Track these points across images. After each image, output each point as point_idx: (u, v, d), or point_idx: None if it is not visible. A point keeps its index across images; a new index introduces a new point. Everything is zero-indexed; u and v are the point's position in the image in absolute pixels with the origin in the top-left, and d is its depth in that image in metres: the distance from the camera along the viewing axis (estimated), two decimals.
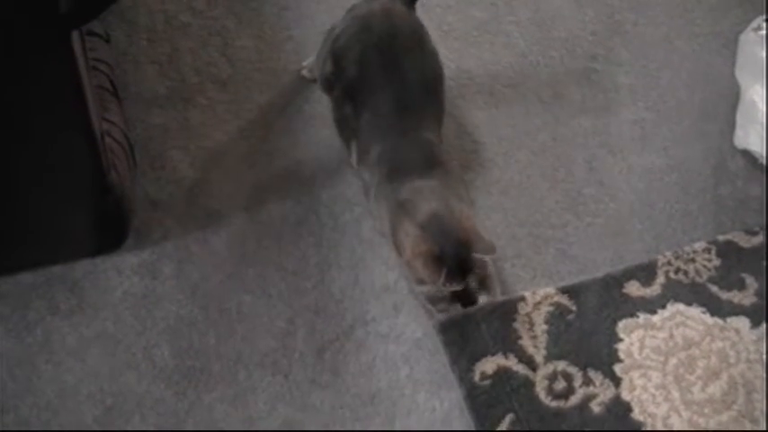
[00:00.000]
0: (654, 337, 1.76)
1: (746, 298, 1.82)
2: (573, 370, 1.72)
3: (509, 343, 1.73)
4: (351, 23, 1.87)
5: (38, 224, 1.68)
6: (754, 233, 1.90)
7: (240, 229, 1.86)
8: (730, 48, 2.14)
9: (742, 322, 1.78)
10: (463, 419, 1.67)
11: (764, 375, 1.72)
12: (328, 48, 1.88)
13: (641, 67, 2.16)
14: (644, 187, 1.98)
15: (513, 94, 2.09)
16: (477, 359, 1.71)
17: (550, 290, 1.80)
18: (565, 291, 1.80)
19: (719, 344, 1.76)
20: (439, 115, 1.85)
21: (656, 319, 1.78)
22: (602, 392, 1.70)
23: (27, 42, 1.40)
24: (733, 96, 2.07)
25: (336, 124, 1.87)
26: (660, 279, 1.83)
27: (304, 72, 2.04)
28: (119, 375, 1.68)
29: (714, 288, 1.83)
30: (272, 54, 2.09)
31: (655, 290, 1.82)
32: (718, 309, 1.80)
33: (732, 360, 1.74)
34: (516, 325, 1.75)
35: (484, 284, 1.75)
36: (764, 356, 1.74)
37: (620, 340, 1.75)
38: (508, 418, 1.66)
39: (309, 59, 2.01)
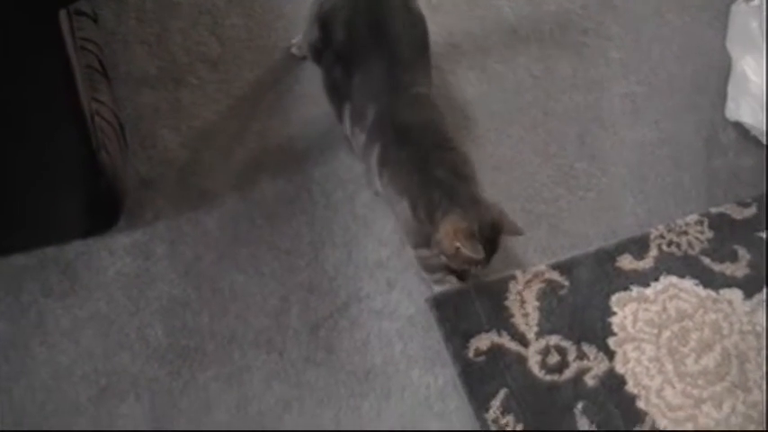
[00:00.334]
0: (647, 309, 1.76)
1: (739, 270, 1.82)
2: (566, 344, 1.72)
3: (502, 321, 1.74)
4: None
5: (29, 205, 1.68)
6: (747, 205, 1.90)
7: (232, 209, 1.85)
8: (721, 20, 2.13)
9: (735, 294, 1.79)
10: (457, 395, 1.68)
11: (760, 346, 1.73)
12: (314, 14, 1.87)
13: (632, 40, 2.15)
14: (636, 161, 1.98)
15: (505, 70, 2.08)
16: (472, 335, 1.71)
17: (542, 267, 1.80)
18: (556, 267, 1.80)
19: (712, 316, 1.76)
20: (428, 70, 1.86)
21: (649, 292, 1.78)
22: (596, 366, 1.70)
23: (14, 22, 1.39)
24: (724, 68, 2.06)
25: (327, 90, 1.86)
26: (653, 252, 1.83)
27: (294, 50, 2.03)
28: (113, 355, 1.68)
29: (707, 260, 1.83)
30: (261, 32, 2.08)
31: (647, 263, 1.82)
32: (711, 281, 1.80)
33: (725, 332, 1.75)
34: (508, 303, 1.76)
35: None
36: (757, 327, 1.75)
37: (614, 314, 1.76)
38: (502, 392, 1.66)
39: (298, 37, 2.00)
